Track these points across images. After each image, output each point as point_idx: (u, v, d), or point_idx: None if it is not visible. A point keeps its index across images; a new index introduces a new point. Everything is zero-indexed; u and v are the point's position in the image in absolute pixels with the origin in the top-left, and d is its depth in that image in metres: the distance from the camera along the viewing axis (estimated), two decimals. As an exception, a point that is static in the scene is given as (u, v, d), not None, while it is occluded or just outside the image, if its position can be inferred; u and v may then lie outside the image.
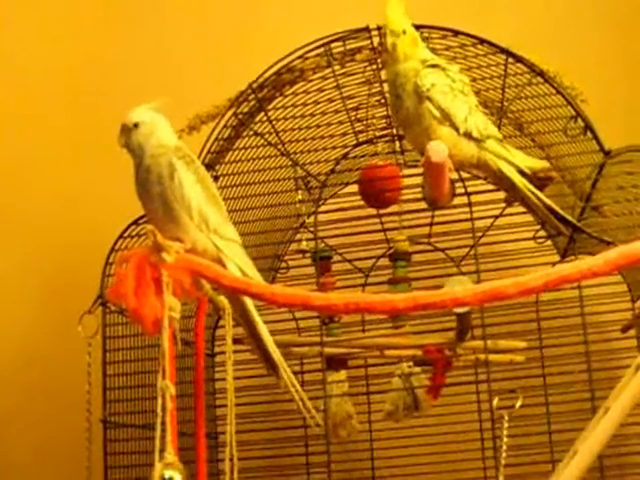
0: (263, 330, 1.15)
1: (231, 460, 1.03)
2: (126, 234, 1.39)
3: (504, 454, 1.07)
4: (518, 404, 1.10)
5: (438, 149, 1.18)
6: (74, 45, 1.84)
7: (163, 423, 0.91)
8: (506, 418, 1.08)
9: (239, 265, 1.11)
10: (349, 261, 1.54)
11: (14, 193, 1.56)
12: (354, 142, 1.50)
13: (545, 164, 1.30)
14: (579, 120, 1.32)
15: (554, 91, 1.34)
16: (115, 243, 1.39)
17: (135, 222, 1.37)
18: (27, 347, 1.52)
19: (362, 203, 1.44)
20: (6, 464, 1.42)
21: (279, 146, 1.45)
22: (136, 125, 1.10)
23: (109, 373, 1.36)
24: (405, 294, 0.97)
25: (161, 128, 1.12)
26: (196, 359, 1.11)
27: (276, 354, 1.15)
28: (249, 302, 1.13)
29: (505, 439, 1.08)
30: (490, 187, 1.39)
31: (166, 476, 0.89)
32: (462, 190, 1.35)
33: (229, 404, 1.06)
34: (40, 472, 1.49)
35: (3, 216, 1.53)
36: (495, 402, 1.13)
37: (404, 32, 1.25)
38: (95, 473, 1.26)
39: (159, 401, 0.91)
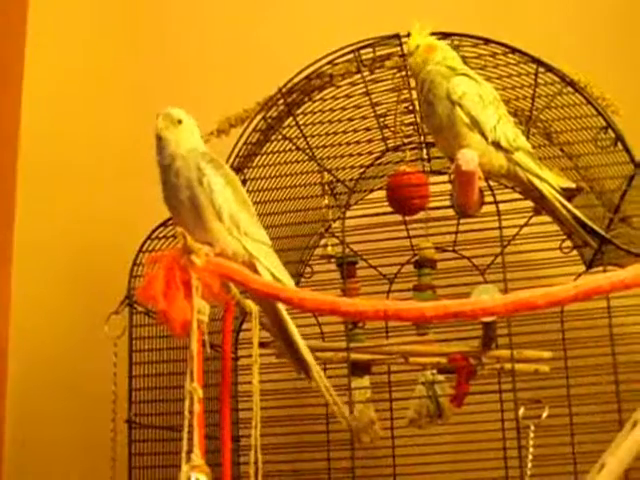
0: (294, 331, 1.14)
1: (255, 464, 1.03)
2: (154, 235, 1.40)
3: (530, 464, 1.06)
4: (545, 414, 1.09)
5: (469, 157, 1.18)
6: (100, 52, 1.86)
7: (190, 425, 0.91)
8: (532, 428, 1.08)
9: (270, 268, 1.11)
10: (374, 267, 1.54)
11: (43, 193, 1.57)
12: (382, 148, 1.50)
13: (574, 185, 1.29)
14: (610, 131, 1.31)
15: (585, 101, 1.33)
16: (143, 244, 1.40)
17: (164, 224, 1.38)
18: (54, 346, 1.53)
19: (387, 209, 1.44)
20: (32, 462, 1.42)
21: (307, 151, 1.45)
22: (180, 122, 1.10)
23: (135, 374, 1.37)
24: (435, 302, 0.97)
25: (196, 133, 1.13)
26: (222, 362, 1.10)
27: (308, 355, 1.15)
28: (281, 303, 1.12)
29: (531, 449, 1.07)
30: (517, 196, 1.39)
31: (193, 478, 0.90)
32: (490, 199, 1.35)
33: (255, 408, 1.06)
34: (65, 471, 1.49)
35: (32, 217, 1.54)
36: (521, 412, 1.13)
37: (417, 47, 1.28)
38: (119, 473, 1.26)
39: (187, 403, 0.92)
